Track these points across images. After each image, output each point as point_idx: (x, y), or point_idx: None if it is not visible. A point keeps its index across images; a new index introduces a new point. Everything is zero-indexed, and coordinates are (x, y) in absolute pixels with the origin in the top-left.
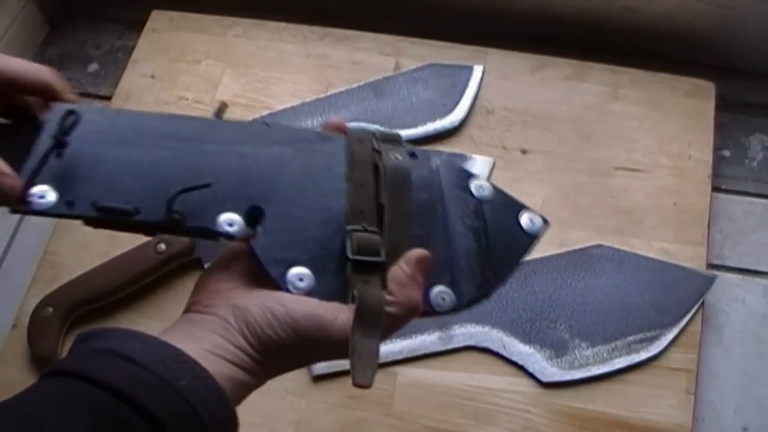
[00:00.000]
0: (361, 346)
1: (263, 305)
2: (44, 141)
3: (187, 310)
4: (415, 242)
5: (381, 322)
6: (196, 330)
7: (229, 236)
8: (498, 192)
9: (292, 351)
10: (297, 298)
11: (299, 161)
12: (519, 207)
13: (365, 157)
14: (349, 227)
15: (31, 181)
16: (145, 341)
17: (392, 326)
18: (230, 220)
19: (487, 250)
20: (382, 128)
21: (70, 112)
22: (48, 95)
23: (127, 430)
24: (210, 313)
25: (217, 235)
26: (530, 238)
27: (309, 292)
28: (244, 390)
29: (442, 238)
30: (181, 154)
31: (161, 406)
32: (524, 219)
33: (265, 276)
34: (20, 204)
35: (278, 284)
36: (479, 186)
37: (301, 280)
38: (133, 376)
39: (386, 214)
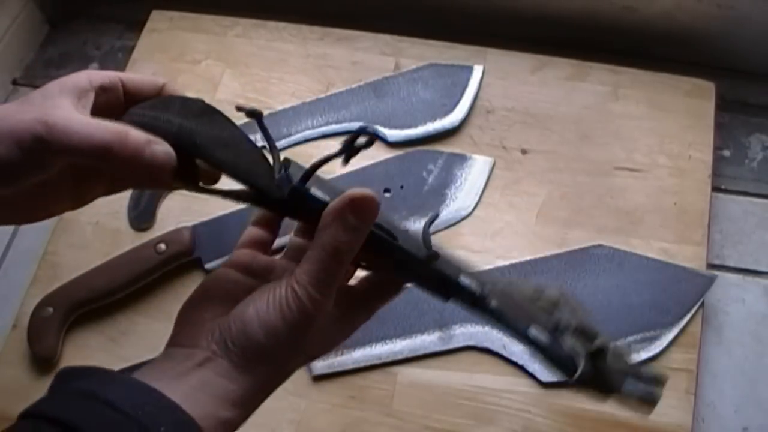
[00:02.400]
0: None
1: (236, 318)
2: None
3: (170, 344)
4: None
5: None
6: (180, 366)
7: (471, 293)
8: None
9: (271, 348)
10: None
11: None
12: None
13: None
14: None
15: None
16: (126, 384)
17: (327, 271)
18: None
19: None
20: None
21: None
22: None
23: None
24: (193, 346)
25: (458, 288)
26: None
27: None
28: (229, 428)
29: None
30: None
31: None
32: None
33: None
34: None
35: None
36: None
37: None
38: (111, 422)
39: None
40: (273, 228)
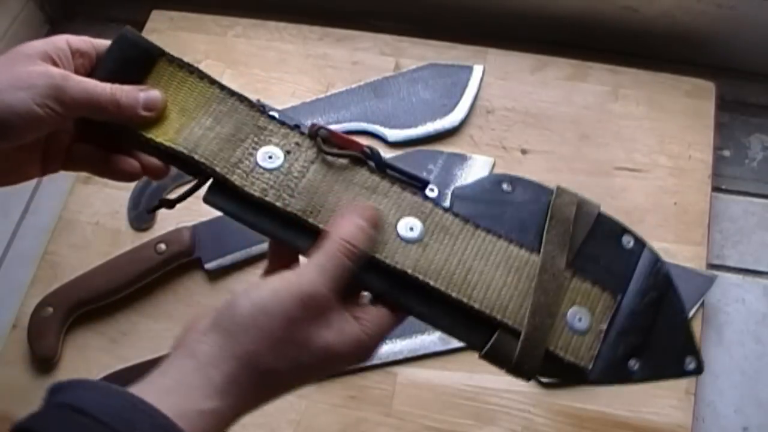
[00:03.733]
0: None
1: (225, 301)
2: None
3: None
4: None
5: None
6: (166, 365)
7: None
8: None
9: (254, 322)
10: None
11: None
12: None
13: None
14: None
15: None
16: (102, 391)
17: (331, 260)
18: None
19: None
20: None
21: None
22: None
23: None
24: (182, 344)
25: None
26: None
27: None
28: (217, 418)
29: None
30: None
31: None
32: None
33: None
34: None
35: None
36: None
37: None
38: (81, 427)
39: None
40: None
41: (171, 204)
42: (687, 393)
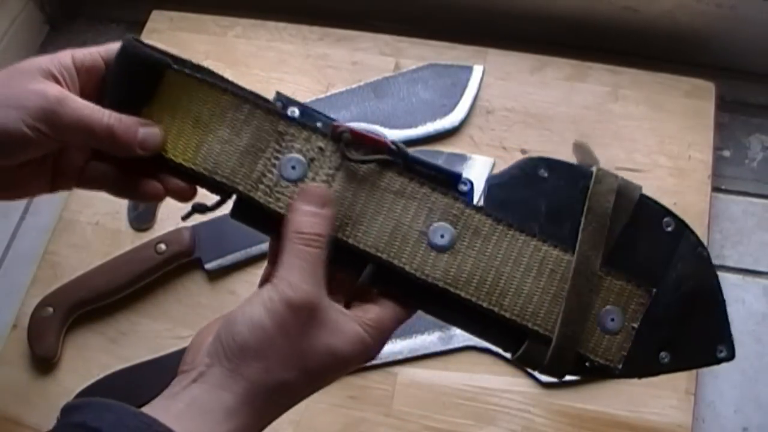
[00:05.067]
0: None
1: (225, 323)
2: None
3: (177, 374)
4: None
5: None
6: (175, 388)
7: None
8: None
9: (257, 344)
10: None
11: None
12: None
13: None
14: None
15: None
16: (119, 412)
17: (298, 255)
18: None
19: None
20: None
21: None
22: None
23: None
24: (192, 367)
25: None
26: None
27: None
28: None
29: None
30: None
31: None
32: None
33: None
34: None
35: None
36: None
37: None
38: None
39: None
40: None
41: (205, 210)
42: (687, 393)
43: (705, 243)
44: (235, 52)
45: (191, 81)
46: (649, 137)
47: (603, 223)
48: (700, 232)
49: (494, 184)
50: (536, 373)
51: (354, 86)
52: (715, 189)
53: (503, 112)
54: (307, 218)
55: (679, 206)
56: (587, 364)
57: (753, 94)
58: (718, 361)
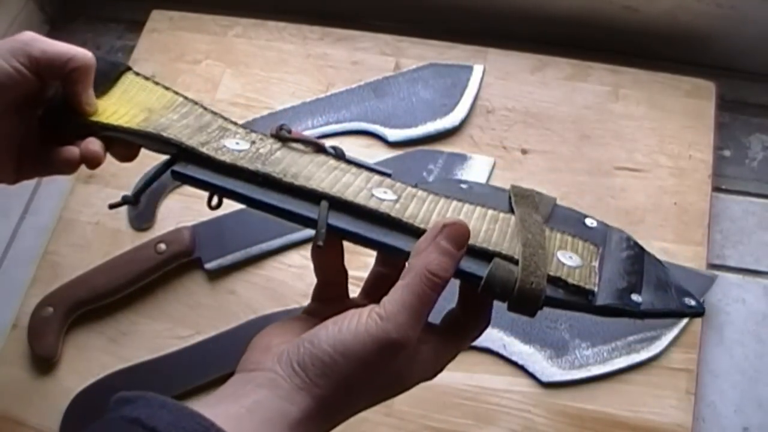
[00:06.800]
0: None
1: (306, 338)
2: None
3: (237, 370)
4: None
5: None
6: (239, 389)
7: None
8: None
9: (336, 367)
10: (336, 327)
11: None
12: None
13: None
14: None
15: None
16: (174, 411)
17: (419, 298)
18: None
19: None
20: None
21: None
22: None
23: None
24: (257, 369)
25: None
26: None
27: None
28: None
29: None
30: None
31: None
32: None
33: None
34: None
35: None
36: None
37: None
38: None
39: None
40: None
41: (135, 200)
42: (687, 393)
43: (705, 243)
44: (235, 52)
45: (148, 83)
46: (650, 137)
47: (531, 201)
48: (701, 231)
49: (421, 187)
50: (537, 373)
51: (354, 86)
52: (716, 189)
53: (503, 111)
54: (445, 259)
55: (679, 206)
56: (560, 290)
57: (753, 94)
58: (690, 311)
